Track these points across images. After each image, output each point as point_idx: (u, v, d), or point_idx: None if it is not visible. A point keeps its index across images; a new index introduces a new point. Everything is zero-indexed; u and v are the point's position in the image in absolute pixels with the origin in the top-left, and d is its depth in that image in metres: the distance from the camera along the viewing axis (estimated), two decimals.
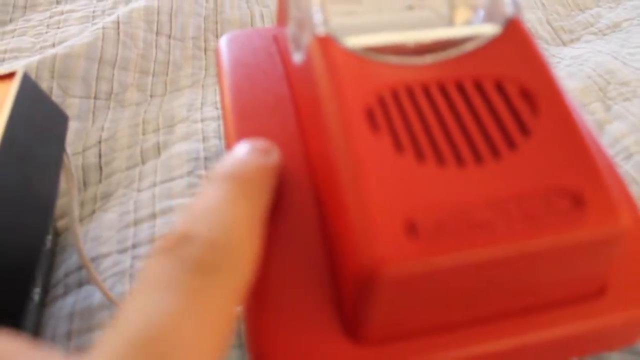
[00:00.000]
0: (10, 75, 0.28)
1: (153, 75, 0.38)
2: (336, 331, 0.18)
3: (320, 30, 0.20)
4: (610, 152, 0.32)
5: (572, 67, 0.39)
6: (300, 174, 0.21)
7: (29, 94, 0.28)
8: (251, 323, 0.18)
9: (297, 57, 0.22)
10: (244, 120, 0.23)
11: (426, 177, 0.17)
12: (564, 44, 0.43)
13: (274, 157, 0.20)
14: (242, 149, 0.20)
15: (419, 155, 0.17)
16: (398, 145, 0.17)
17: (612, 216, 0.17)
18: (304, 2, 0.21)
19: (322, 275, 0.18)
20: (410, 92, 0.19)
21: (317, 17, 0.20)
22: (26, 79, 0.28)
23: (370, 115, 0.18)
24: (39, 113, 0.28)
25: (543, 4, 0.46)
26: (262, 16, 0.43)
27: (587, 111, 0.35)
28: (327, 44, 0.19)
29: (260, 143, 0.20)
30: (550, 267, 0.17)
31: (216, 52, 0.27)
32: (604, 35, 0.43)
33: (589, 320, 0.19)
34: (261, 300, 0.18)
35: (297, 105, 0.23)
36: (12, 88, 0.27)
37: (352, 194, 0.16)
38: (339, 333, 0.18)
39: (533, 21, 0.45)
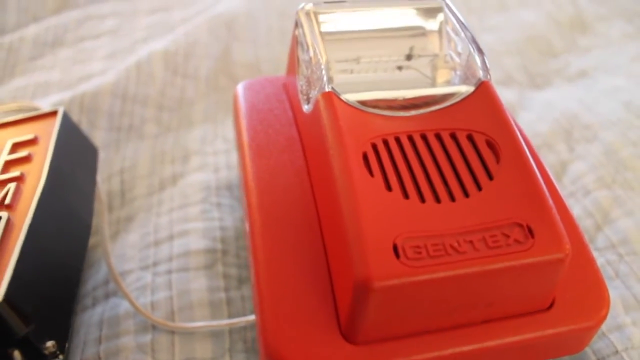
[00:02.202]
0: (52, 114, 0.32)
1: (169, 111, 0.43)
2: (335, 334, 0.22)
3: (327, 88, 0.24)
4: (572, 188, 0.37)
5: (543, 111, 0.44)
6: (307, 203, 0.25)
7: (68, 130, 0.32)
8: (263, 327, 0.22)
9: (306, 108, 0.26)
10: (259, 158, 0.27)
11: (410, 211, 0.21)
12: (538, 87, 0.48)
13: None
14: None
15: (405, 193, 0.22)
16: (388, 185, 0.22)
17: (557, 245, 0.21)
18: (314, 62, 0.25)
19: (325, 287, 0.23)
20: (398, 141, 0.24)
21: (324, 77, 0.24)
22: (65, 116, 0.32)
23: (365, 160, 0.22)
24: (75, 146, 0.33)
25: (521, 51, 0.51)
26: (267, 60, 0.48)
27: (553, 151, 0.40)
28: (331, 99, 0.24)
29: None
30: (507, 286, 0.22)
31: (234, 97, 0.31)
32: (572, 81, 0.48)
33: (540, 330, 0.23)
34: (273, 308, 0.22)
35: (304, 145, 0.27)
36: (55, 125, 0.31)
37: (350, 223, 0.21)
38: (338, 335, 0.22)
39: (511, 66, 0.50)
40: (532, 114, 0.44)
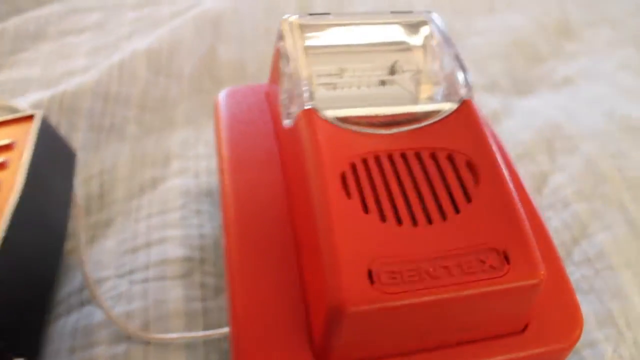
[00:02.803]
0: (29, 117, 0.31)
1: (152, 111, 0.42)
2: (307, 353, 0.22)
3: (307, 105, 0.24)
4: (551, 200, 0.37)
5: (526, 119, 0.44)
6: (283, 219, 0.25)
7: (46, 134, 0.31)
8: (235, 346, 0.22)
9: (286, 123, 0.26)
10: (237, 171, 0.27)
11: (386, 235, 0.21)
12: (522, 94, 0.48)
13: None
14: None
15: (382, 216, 0.22)
16: (365, 207, 0.22)
17: (532, 271, 0.21)
18: (295, 78, 0.25)
19: (297, 306, 0.23)
20: (378, 160, 0.23)
21: (305, 93, 0.24)
22: (44, 121, 0.31)
23: (343, 181, 0.22)
24: (53, 151, 0.32)
25: (507, 56, 0.51)
26: (252, 59, 0.47)
27: (535, 162, 0.40)
28: (311, 116, 0.24)
29: None
30: (481, 310, 0.22)
31: (215, 106, 0.31)
32: (557, 88, 0.48)
33: (514, 352, 0.23)
34: (245, 325, 0.22)
35: (282, 159, 0.27)
36: (32, 130, 0.30)
37: (325, 245, 0.21)
38: (309, 355, 0.22)
39: (496, 72, 0.50)
40: (515, 122, 0.44)
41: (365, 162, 0.23)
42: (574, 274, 0.33)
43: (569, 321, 0.24)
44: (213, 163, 0.38)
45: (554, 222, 0.36)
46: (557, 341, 0.24)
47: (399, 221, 0.22)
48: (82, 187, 0.37)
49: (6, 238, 0.25)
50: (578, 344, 0.29)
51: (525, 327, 0.24)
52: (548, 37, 0.53)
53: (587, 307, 0.31)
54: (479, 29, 0.54)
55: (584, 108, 0.44)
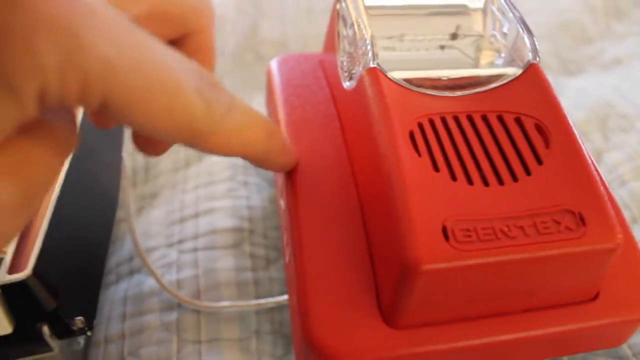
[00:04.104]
0: None
1: None
2: (375, 317, 0.21)
3: (372, 64, 0.23)
4: (607, 178, 0.36)
5: (576, 99, 0.42)
6: (346, 181, 0.24)
7: None
8: (301, 309, 0.22)
9: (348, 84, 0.25)
10: (296, 134, 0.26)
11: (458, 194, 0.20)
12: (571, 74, 0.47)
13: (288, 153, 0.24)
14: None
15: (452, 175, 0.21)
16: (435, 166, 0.21)
17: (609, 234, 0.20)
18: (358, 38, 0.24)
19: (365, 269, 0.22)
20: (444, 121, 0.23)
21: (369, 52, 0.23)
22: None
23: (412, 139, 0.22)
24: None
25: (554, 36, 0.50)
26: (295, 37, 0.47)
27: (588, 140, 0.39)
28: (377, 75, 0.23)
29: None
30: (555, 273, 0.21)
31: (267, 72, 0.30)
32: (607, 68, 0.47)
33: (584, 321, 0.22)
34: (312, 290, 0.22)
35: (343, 123, 0.26)
36: None
37: (398, 203, 0.20)
38: (378, 319, 0.21)
39: (543, 52, 0.48)
40: (565, 101, 0.42)
41: (432, 122, 0.23)
42: None
43: None
44: None
45: None
46: (629, 312, 0.23)
47: (470, 181, 0.21)
48: (128, 159, 0.37)
49: (60, 199, 0.25)
50: None
51: (597, 296, 0.23)
52: (596, 18, 0.52)
53: None
54: (524, 10, 0.53)
55: (637, 88, 0.43)
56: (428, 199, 0.20)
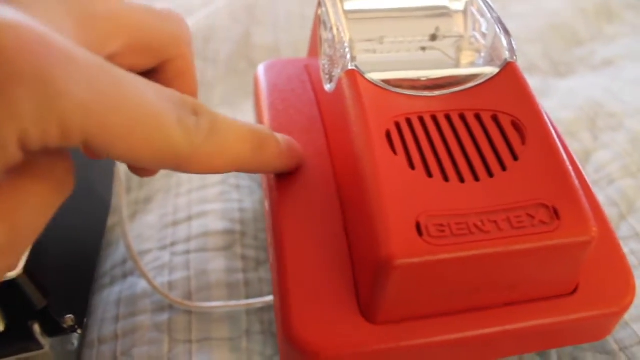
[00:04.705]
0: None
1: None
2: (355, 313, 0.21)
3: (350, 66, 0.24)
4: (595, 177, 0.36)
5: (566, 99, 0.43)
6: (328, 182, 0.25)
7: None
8: (281, 306, 0.22)
9: (328, 87, 0.26)
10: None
11: (433, 190, 0.21)
12: (561, 75, 0.47)
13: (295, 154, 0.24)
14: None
15: (428, 172, 0.21)
16: (411, 164, 0.21)
17: (583, 227, 0.21)
18: (337, 41, 0.25)
19: (345, 266, 0.22)
20: (422, 120, 0.23)
21: (347, 55, 0.24)
22: None
23: (388, 138, 0.22)
24: None
25: (544, 39, 0.50)
26: (287, 44, 0.47)
27: (577, 139, 0.39)
28: (354, 76, 0.24)
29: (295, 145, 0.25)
30: (531, 268, 0.21)
31: (254, 77, 0.31)
32: (597, 70, 0.47)
33: (563, 314, 0.22)
34: (292, 287, 0.22)
35: (325, 125, 0.27)
36: None
37: (373, 200, 0.20)
38: (357, 315, 0.21)
39: (534, 54, 0.49)
40: (554, 102, 0.43)
41: (409, 121, 0.23)
42: (622, 248, 0.32)
43: (620, 285, 0.24)
44: None
45: (600, 199, 0.35)
46: (608, 305, 0.23)
47: (446, 177, 0.21)
48: (122, 165, 0.37)
49: None
50: (629, 317, 0.29)
51: (575, 289, 0.23)
52: (587, 20, 0.52)
53: (637, 281, 0.30)
54: (514, 13, 0.54)
55: (627, 87, 0.43)
56: (402, 195, 0.20)
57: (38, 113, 0.14)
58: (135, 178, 0.37)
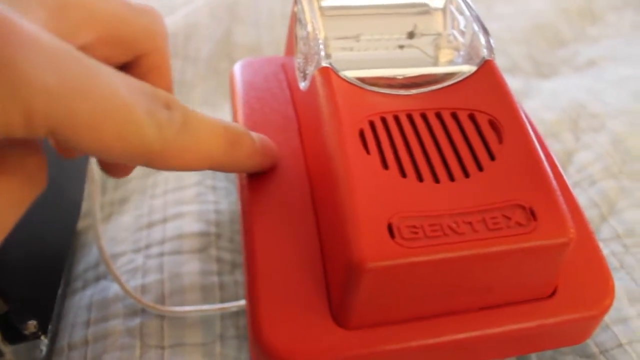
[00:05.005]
0: None
1: None
2: (326, 318, 0.21)
3: (323, 63, 0.23)
4: (577, 178, 0.36)
5: (548, 99, 0.43)
6: (301, 183, 0.24)
7: None
8: (252, 310, 0.21)
9: (303, 85, 0.25)
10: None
11: (407, 191, 0.20)
12: (544, 76, 0.47)
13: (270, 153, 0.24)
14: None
15: (402, 172, 0.21)
16: (384, 163, 0.21)
17: (561, 229, 0.20)
18: (311, 39, 0.24)
19: (316, 270, 0.22)
20: (397, 119, 0.23)
21: (322, 52, 0.23)
22: None
23: (362, 137, 0.21)
24: None
25: (528, 39, 0.50)
26: (269, 42, 0.47)
27: (559, 140, 0.39)
28: (328, 74, 0.23)
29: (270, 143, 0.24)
30: (507, 270, 0.21)
31: (230, 75, 0.30)
32: (580, 70, 0.47)
33: (541, 318, 0.22)
34: (263, 291, 0.21)
35: (300, 124, 0.26)
36: None
37: (344, 201, 0.20)
38: (329, 320, 0.21)
39: (517, 55, 0.49)
40: (537, 102, 0.43)
41: (384, 120, 0.22)
42: (603, 250, 0.31)
43: (599, 288, 0.23)
44: None
45: (581, 200, 0.34)
46: (587, 308, 0.23)
47: (420, 178, 0.21)
48: (97, 165, 0.36)
49: None
50: (609, 320, 0.28)
51: (554, 292, 0.23)
52: (570, 22, 0.52)
53: (618, 283, 0.29)
54: (498, 14, 0.53)
55: (610, 88, 0.43)
56: (374, 196, 0.20)
57: (0, 99, 0.14)
58: (111, 179, 0.37)
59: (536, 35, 0.50)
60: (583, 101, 0.41)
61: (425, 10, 0.27)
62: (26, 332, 0.23)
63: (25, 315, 0.23)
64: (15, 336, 0.23)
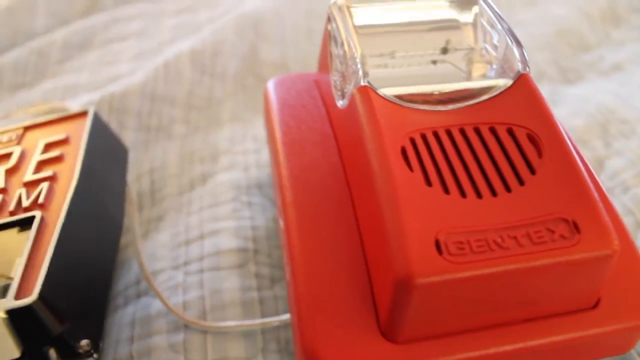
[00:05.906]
0: (83, 114, 0.32)
1: (197, 110, 0.43)
2: (374, 332, 0.21)
3: (362, 82, 0.24)
4: (609, 185, 0.36)
5: (576, 106, 0.43)
6: (343, 199, 0.25)
7: (98, 129, 0.32)
8: (299, 325, 0.22)
9: (341, 103, 0.26)
10: (293, 154, 0.26)
11: (451, 207, 0.21)
12: (570, 82, 0.47)
13: None
14: None
15: (445, 188, 0.21)
16: (428, 180, 0.21)
17: (604, 241, 0.20)
18: (348, 57, 0.25)
19: (363, 285, 0.22)
20: (437, 135, 0.23)
21: (359, 71, 0.24)
22: (96, 116, 0.32)
23: (404, 154, 0.22)
24: (106, 145, 0.33)
25: (551, 45, 0.50)
26: (295, 58, 0.47)
27: (589, 147, 0.39)
28: (367, 93, 0.23)
29: None
30: (552, 283, 0.21)
31: (264, 93, 0.31)
32: (606, 75, 0.47)
33: (585, 329, 0.22)
34: (310, 306, 0.22)
35: (338, 141, 0.27)
36: (86, 125, 0.31)
37: (391, 218, 0.20)
38: (377, 334, 0.21)
39: (542, 62, 0.49)
40: (565, 109, 0.43)
41: (424, 137, 0.23)
42: None
43: None
44: (262, 157, 0.38)
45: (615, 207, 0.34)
46: (631, 318, 0.23)
47: (463, 194, 0.21)
48: (133, 184, 0.37)
49: (66, 224, 0.25)
50: None
51: (597, 303, 0.23)
52: (593, 26, 0.52)
53: None
54: (520, 20, 0.54)
55: (638, 92, 0.43)
56: (420, 213, 0.20)
57: None
58: (147, 196, 0.37)
59: (559, 41, 0.50)
60: (611, 106, 0.41)
61: (456, 26, 0.28)
62: (80, 351, 0.24)
63: (79, 334, 0.24)
64: (70, 355, 0.23)
